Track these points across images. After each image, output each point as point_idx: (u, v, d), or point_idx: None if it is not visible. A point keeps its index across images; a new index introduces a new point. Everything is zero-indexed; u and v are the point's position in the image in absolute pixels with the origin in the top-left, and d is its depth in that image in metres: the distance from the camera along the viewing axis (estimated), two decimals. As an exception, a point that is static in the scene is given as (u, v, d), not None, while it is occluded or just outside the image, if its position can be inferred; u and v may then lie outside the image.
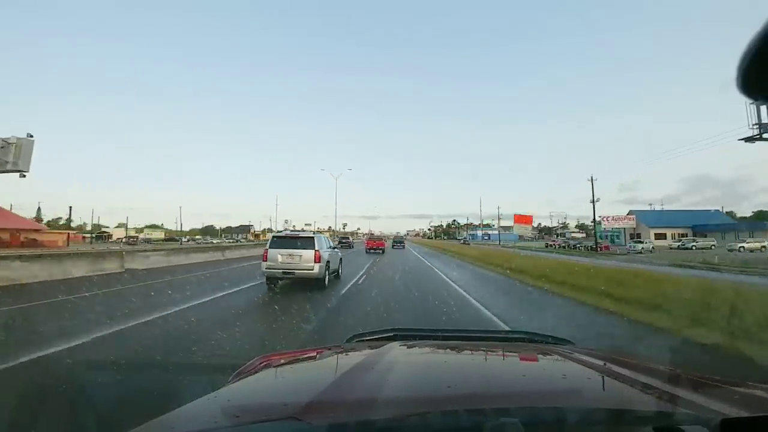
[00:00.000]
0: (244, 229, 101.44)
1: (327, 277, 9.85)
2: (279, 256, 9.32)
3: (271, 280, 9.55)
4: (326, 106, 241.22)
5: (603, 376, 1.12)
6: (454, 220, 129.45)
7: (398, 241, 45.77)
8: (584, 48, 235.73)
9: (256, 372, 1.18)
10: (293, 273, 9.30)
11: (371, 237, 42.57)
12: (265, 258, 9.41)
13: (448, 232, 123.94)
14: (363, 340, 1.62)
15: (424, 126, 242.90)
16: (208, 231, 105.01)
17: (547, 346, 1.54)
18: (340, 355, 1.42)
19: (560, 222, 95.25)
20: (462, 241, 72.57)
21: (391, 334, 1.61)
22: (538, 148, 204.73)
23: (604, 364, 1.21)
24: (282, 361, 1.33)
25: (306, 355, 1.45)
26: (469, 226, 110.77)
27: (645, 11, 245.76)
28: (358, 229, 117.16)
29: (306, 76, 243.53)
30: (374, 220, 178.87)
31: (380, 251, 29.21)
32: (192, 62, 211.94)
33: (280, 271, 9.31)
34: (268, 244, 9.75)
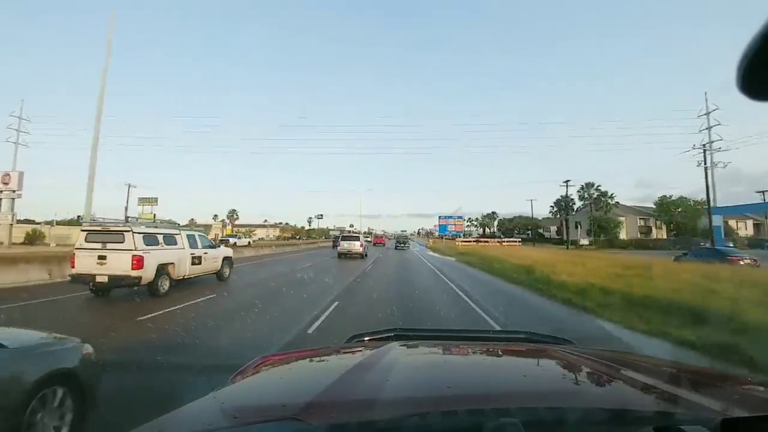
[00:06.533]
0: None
1: (365, 254, 23.61)
2: (345, 244, 23.54)
3: (340, 254, 23.14)
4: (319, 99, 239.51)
5: (603, 376, 1.11)
6: (567, 196, 50.22)
7: (401, 242, 41.16)
8: (584, 49, 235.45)
9: (256, 372, 1.18)
10: (351, 252, 23.08)
11: (375, 236, 64.01)
12: (338, 244, 24.20)
13: (531, 228, 64.13)
14: (363, 341, 1.62)
15: (419, 124, 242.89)
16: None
17: (547, 346, 1.54)
18: (339, 355, 1.42)
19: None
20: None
21: (391, 334, 1.61)
22: (538, 147, 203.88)
23: (604, 363, 1.20)
24: (281, 361, 1.33)
25: (305, 356, 1.45)
26: (583, 205, 51.55)
27: (648, 11, 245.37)
28: (351, 225, 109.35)
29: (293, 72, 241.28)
30: (376, 219, 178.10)
31: (382, 245, 46.51)
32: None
33: (346, 250, 23.11)
34: (339, 239, 25.95)
